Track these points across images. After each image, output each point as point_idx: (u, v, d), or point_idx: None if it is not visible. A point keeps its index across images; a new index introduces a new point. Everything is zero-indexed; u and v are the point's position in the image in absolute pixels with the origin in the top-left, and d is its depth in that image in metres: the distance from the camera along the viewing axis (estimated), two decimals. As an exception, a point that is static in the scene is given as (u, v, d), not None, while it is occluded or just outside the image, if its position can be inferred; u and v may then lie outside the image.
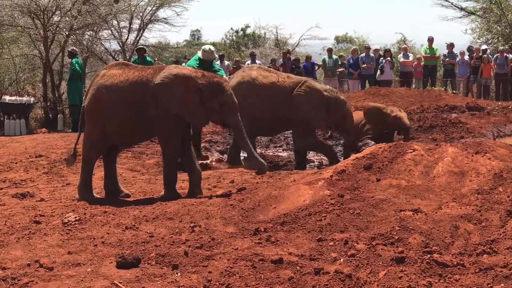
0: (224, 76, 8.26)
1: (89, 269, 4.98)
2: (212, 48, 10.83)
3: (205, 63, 10.51)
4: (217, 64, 19.58)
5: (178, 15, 23.45)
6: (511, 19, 22.60)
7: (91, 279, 4.74)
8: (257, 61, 20.33)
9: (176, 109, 7.67)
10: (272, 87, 10.34)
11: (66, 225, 6.31)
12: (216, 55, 12.25)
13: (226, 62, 20.48)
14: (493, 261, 4.69)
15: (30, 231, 6.16)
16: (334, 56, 20.08)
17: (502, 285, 4.28)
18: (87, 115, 8.08)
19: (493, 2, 23.42)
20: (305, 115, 10.27)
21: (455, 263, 4.70)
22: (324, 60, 20.02)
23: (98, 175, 9.08)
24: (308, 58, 20.15)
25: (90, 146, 8.12)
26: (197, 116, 7.80)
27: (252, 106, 10.13)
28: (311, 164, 11.38)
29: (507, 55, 18.80)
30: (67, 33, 18.65)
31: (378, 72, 19.28)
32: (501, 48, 19.84)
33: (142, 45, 21.05)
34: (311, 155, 11.91)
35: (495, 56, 19.28)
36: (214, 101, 7.75)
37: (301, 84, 10.45)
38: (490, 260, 4.72)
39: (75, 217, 6.48)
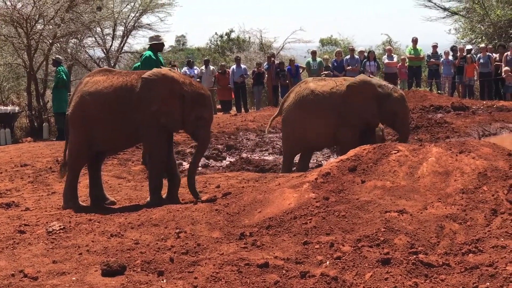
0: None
1: (74, 278, 4.95)
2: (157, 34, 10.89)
3: (156, 50, 10.42)
4: (202, 69, 19.86)
5: (161, 20, 23.53)
6: (494, 18, 22.69)
7: (76, 288, 4.71)
8: (242, 66, 20.28)
9: (155, 106, 7.66)
10: (333, 93, 9.94)
11: (50, 234, 6.27)
12: (165, 40, 12.12)
13: (211, 67, 20.43)
14: (479, 260, 4.69)
15: (14, 241, 6.12)
16: (318, 59, 20.04)
17: (488, 284, 4.28)
18: (72, 122, 8.06)
19: (476, 2, 23.51)
20: (353, 106, 9.76)
21: (441, 263, 4.70)
22: (308, 63, 19.97)
23: (84, 183, 9.03)
24: (292, 61, 20.10)
25: (75, 154, 8.09)
26: (173, 120, 7.79)
27: (319, 117, 9.87)
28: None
29: (490, 54, 18.84)
30: (50, 41, 18.58)
31: (363, 75, 19.28)
32: (482, 45, 19.87)
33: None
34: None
35: (478, 55, 19.33)
36: (192, 111, 7.77)
37: (356, 78, 10.14)
38: (475, 259, 4.73)
39: (60, 226, 6.44)
